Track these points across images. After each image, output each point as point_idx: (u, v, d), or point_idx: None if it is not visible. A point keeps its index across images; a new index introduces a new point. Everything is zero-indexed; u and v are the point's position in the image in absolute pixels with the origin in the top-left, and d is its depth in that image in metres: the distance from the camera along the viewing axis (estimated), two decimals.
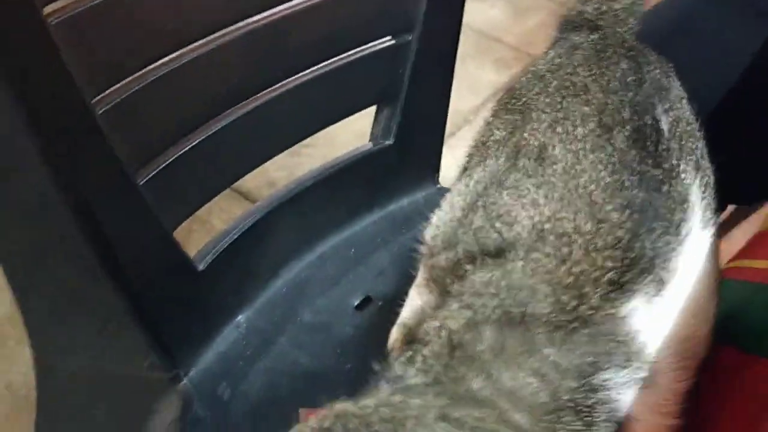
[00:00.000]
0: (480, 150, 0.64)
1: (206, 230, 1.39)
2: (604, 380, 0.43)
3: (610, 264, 0.45)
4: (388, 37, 0.77)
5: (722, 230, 0.55)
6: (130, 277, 0.60)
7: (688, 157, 0.51)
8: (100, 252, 0.56)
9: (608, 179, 0.48)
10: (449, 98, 0.84)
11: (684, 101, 0.58)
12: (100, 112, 0.53)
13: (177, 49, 0.58)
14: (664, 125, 0.52)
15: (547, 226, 0.48)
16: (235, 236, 0.74)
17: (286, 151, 1.70)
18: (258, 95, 0.70)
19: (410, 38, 0.77)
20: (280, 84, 0.72)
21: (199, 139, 0.66)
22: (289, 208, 0.77)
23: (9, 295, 1.43)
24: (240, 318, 0.77)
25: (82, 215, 0.53)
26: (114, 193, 0.56)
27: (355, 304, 0.78)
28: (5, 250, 0.56)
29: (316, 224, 0.81)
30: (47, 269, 0.58)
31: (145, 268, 0.62)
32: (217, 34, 0.63)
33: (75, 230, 0.53)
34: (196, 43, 0.61)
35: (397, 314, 0.66)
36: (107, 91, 0.53)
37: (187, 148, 0.66)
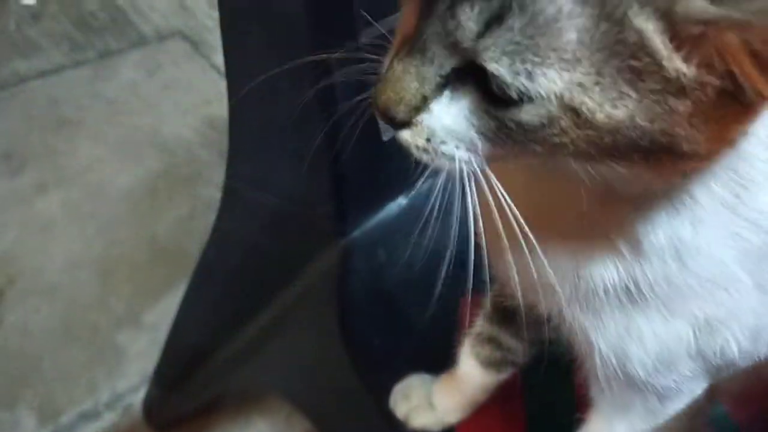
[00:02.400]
0: None
1: None
2: None
3: None
4: None
5: None
6: (334, 126, 0.66)
7: None
8: (320, 89, 0.62)
9: None
10: None
11: None
12: None
13: None
14: None
15: None
16: None
17: None
18: None
19: None
20: None
21: None
22: None
23: (164, 156, 1.55)
24: (401, 199, 0.83)
25: (317, 51, 0.59)
26: (343, 41, 0.62)
27: None
28: (244, 74, 0.63)
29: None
30: (271, 98, 0.65)
31: (346, 122, 0.68)
32: None
33: (309, 64, 0.59)
34: None
35: None
36: None
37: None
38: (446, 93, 0.35)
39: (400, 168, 0.81)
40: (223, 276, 0.82)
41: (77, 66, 1.74)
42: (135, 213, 1.44)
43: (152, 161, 1.52)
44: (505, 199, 0.38)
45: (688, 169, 0.37)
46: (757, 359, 0.48)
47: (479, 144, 0.36)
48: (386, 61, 0.36)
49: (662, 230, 0.41)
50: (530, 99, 0.32)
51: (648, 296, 0.43)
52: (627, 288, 0.44)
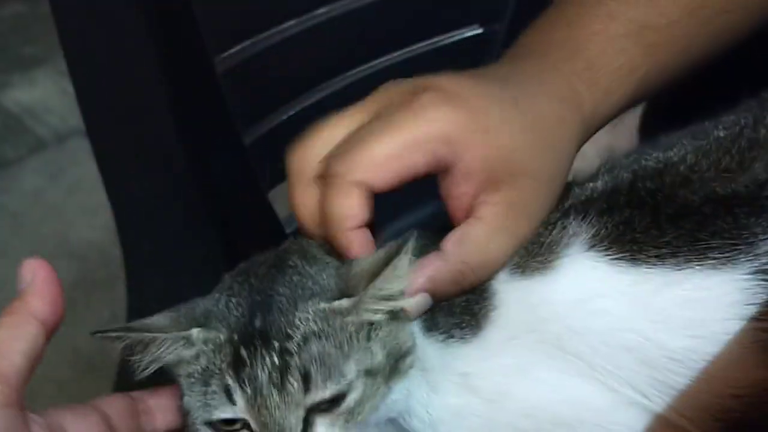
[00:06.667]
0: None
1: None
2: None
3: None
4: (476, 26, 0.81)
5: None
6: (229, 231, 0.65)
7: None
8: (207, 202, 0.60)
9: None
10: None
11: None
12: (222, 70, 0.57)
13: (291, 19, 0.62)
14: None
15: None
16: None
17: None
18: (353, 72, 0.75)
19: (498, 28, 0.80)
20: (373, 63, 0.76)
21: (299, 108, 0.71)
22: None
23: (76, 263, 1.49)
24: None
25: (195, 163, 0.58)
26: (224, 149, 0.61)
27: None
28: (121, 195, 0.61)
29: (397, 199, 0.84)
30: (157, 214, 0.63)
31: (242, 224, 0.66)
32: (321, 10, 0.68)
33: (188, 176, 0.58)
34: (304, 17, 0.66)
35: None
36: (230, 51, 0.58)
37: (285, 117, 0.70)
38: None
39: None
40: None
41: None
42: None
43: (64, 271, 1.46)
44: None
45: None
46: None
47: None
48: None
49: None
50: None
51: None
52: None
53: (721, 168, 0.44)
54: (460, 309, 0.45)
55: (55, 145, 1.77)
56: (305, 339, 0.41)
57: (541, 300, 0.43)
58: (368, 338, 0.42)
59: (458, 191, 0.44)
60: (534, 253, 0.44)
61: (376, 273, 0.41)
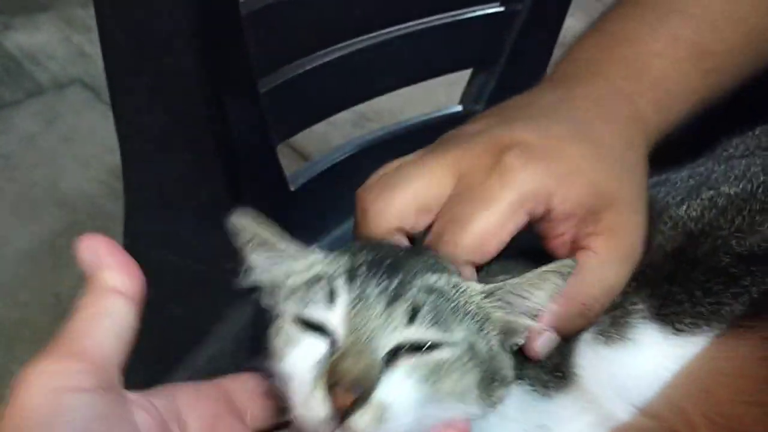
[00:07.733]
0: None
1: None
2: None
3: None
4: (497, 3, 0.81)
5: None
6: (236, 178, 0.64)
7: None
8: (217, 144, 0.60)
9: None
10: (546, 71, 0.87)
11: None
12: (244, 12, 0.57)
13: None
14: None
15: None
16: (326, 167, 0.77)
17: (349, 123, 1.72)
18: (369, 36, 0.74)
19: (520, 7, 0.80)
20: (392, 29, 0.75)
21: (313, 66, 0.70)
22: (378, 151, 0.81)
23: (65, 211, 1.47)
24: (314, 246, 0.81)
25: (211, 104, 0.57)
26: (241, 93, 0.60)
27: None
28: (132, 129, 0.60)
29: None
30: (167, 152, 0.62)
31: (248, 173, 0.66)
32: None
33: (202, 116, 0.57)
34: None
35: None
36: None
37: (299, 73, 0.70)
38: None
39: (310, 216, 0.80)
40: None
41: None
42: (36, 273, 1.36)
43: (52, 218, 1.45)
44: None
45: None
46: None
47: None
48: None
49: None
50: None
51: None
52: None
53: (734, 227, 0.45)
54: (551, 366, 0.46)
55: (54, 92, 1.75)
56: (429, 289, 0.40)
57: (619, 369, 0.45)
58: (481, 328, 0.42)
59: (557, 232, 0.45)
60: (614, 323, 0.45)
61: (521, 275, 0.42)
